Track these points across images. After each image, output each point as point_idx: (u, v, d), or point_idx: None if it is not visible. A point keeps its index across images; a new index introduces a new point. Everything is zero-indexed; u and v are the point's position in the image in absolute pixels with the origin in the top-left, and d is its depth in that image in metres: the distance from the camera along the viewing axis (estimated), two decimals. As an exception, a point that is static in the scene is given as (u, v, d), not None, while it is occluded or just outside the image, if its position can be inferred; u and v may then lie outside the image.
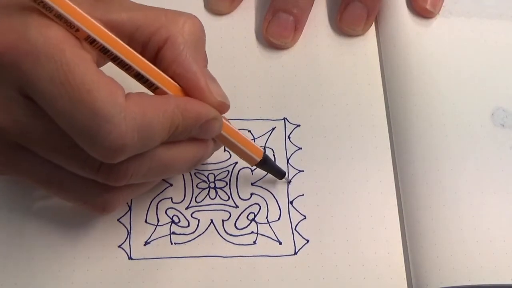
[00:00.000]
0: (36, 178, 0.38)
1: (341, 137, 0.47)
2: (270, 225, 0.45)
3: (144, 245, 0.44)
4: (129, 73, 0.37)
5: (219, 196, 0.45)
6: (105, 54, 0.36)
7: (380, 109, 0.49)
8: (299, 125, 0.48)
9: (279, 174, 0.45)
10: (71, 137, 0.35)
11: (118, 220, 0.44)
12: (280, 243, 0.44)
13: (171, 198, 0.45)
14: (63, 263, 0.43)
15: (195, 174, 0.46)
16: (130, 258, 0.43)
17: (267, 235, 0.44)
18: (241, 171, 0.46)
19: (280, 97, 0.49)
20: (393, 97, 0.48)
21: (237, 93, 0.48)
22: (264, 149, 0.45)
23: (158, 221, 0.44)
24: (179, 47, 0.38)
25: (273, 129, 0.48)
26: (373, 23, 0.51)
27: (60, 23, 0.34)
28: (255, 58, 0.50)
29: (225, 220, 0.45)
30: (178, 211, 0.45)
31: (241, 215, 0.45)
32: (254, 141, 0.47)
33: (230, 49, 0.50)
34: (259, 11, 0.52)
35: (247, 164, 0.43)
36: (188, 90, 0.38)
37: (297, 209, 0.45)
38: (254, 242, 0.44)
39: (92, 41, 0.35)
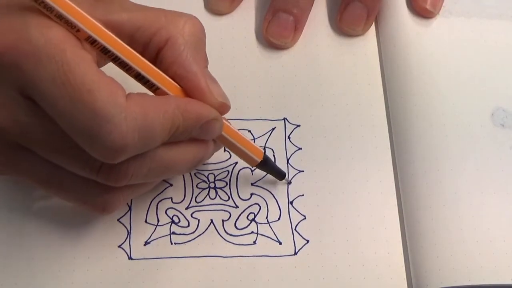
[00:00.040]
0: (36, 178, 0.38)
1: (341, 137, 0.47)
2: (270, 225, 0.45)
3: (144, 245, 0.44)
4: (129, 74, 0.37)
5: (219, 196, 0.45)
6: (105, 55, 0.36)
7: (380, 109, 0.49)
8: (299, 125, 0.48)
9: (280, 175, 0.45)
10: (72, 137, 0.35)
11: (118, 220, 0.44)
12: (280, 243, 0.44)
13: (171, 198, 0.45)
14: (63, 263, 0.43)
15: (195, 174, 0.46)
16: (130, 258, 0.43)
17: (267, 235, 0.44)
18: (241, 171, 0.46)
19: (280, 97, 0.49)
20: (393, 97, 0.48)
21: (237, 93, 0.48)
22: (264, 149, 0.45)
23: (158, 221, 0.44)
24: (180, 48, 0.38)
25: (273, 129, 0.48)
26: (373, 23, 0.51)
27: (61, 23, 0.34)
28: (255, 58, 0.50)
29: (225, 220, 0.45)
30: (178, 211, 0.45)
31: (241, 215, 0.45)
32: (254, 141, 0.47)
33: (230, 49, 0.50)
34: (259, 11, 0.52)
35: (247, 164, 0.43)
36: (188, 90, 0.38)
37: (297, 209, 0.45)
38: (254, 242, 0.44)
39: (93, 42, 0.35)
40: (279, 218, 0.45)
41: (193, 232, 0.44)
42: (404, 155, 0.46)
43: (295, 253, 0.44)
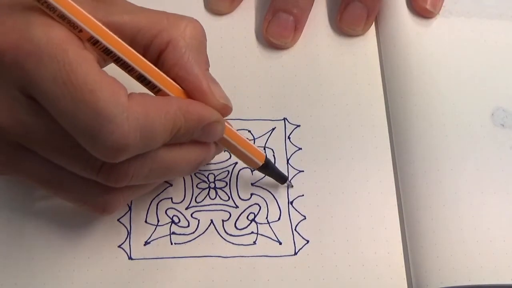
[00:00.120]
0: (37, 178, 0.38)
1: (341, 137, 0.47)
2: (270, 225, 0.45)
3: (144, 245, 0.44)
4: (131, 75, 0.37)
5: (219, 196, 0.45)
6: (108, 56, 0.36)
7: (380, 109, 0.49)
8: (299, 125, 0.48)
9: (281, 178, 0.45)
10: (74, 137, 0.35)
11: (118, 220, 0.44)
12: (280, 243, 0.44)
13: (171, 198, 0.45)
14: (63, 263, 0.43)
15: (195, 174, 0.46)
16: (130, 258, 0.43)
17: (267, 235, 0.44)
18: (241, 171, 0.46)
19: (280, 97, 0.49)
20: (393, 97, 0.48)
21: (237, 93, 0.48)
22: (265, 149, 0.45)
23: (158, 221, 0.44)
24: (181, 50, 0.38)
25: (273, 129, 0.48)
26: (373, 23, 0.51)
27: (63, 24, 0.34)
28: (255, 58, 0.50)
29: (225, 220, 0.45)
30: (178, 211, 0.45)
31: (241, 215, 0.45)
32: (254, 141, 0.47)
33: (230, 49, 0.50)
34: (259, 11, 0.52)
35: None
36: (190, 92, 0.38)
37: (297, 209, 0.45)
38: (254, 242, 0.44)
39: (95, 42, 0.35)
40: (279, 218, 0.45)
41: (193, 232, 0.44)
42: (404, 155, 0.46)
43: (295, 253, 0.44)
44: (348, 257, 0.44)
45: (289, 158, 0.47)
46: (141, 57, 0.36)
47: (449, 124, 0.47)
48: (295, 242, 0.44)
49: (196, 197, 0.45)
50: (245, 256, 0.44)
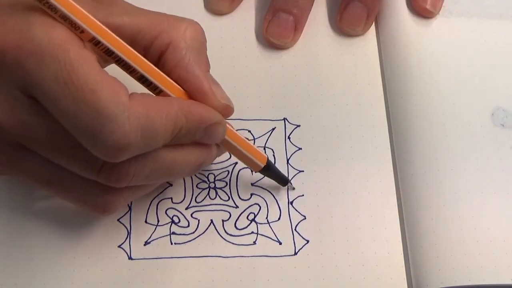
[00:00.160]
0: (37, 178, 0.38)
1: (341, 137, 0.47)
2: (270, 225, 0.45)
3: (144, 245, 0.44)
4: (133, 76, 0.37)
5: (219, 196, 0.45)
6: (109, 56, 0.36)
7: (380, 109, 0.49)
8: (299, 126, 0.48)
9: (282, 180, 0.45)
10: (75, 136, 0.35)
11: (118, 220, 0.44)
12: (280, 243, 0.44)
13: (171, 198, 0.45)
14: (63, 263, 0.43)
15: (195, 174, 0.46)
16: (130, 258, 0.43)
17: (267, 235, 0.44)
18: (241, 171, 0.46)
19: (280, 97, 0.49)
20: (393, 97, 0.48)
21: (237, 93, 0.48)
22: (265, 149, 0.45)
23: (158, 221, 0.44)
24: (182, 52, 0.38)
25: (273, 129, 0.48)
26: (373, 23, 0.51)
27: (65, 24, 0.34)
28: (255, 58, 0.50)
29: (225, 220, 0.45)
30: (178, 211, 0.45)
31: (241, 215, 0.45)
32: (254, 142, 0.47)
33: (230, 49, 0.50)
34: (259, 11, 0.52)
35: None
36: (191, 94, 0.38)
37: (297, 209, 0.45)
38: (254, 242, 0.44)
39: (97, 43, 0.35)
40: (279, 218, 0.45)
41: (193, 232, 0.44)
42: (404, 155, 0.46)
43: (295, 253, 0.44)
44: (348, 257, 0.44)
45: (289, 158, 0.47)
46: (142, 58, 0.36)
47: (449, 124, 0.47)
48: (295, 242, 0.44)
49: (196, 197, 0.45)
50: (245, 256, 0.44)
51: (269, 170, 0.43)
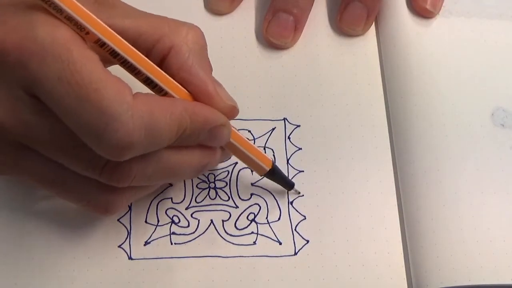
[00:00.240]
0: (39, 178, 0.38)
1: (341, 137, 0.47)
2: (270, 225, 0.45)
3: (144, 245, 0.44)
4: (138, 78, 0.37)
5: (219, 196, 0.45)
6: (115, 58, 0.36)
7: (380, 109, 0.49)
8: (299, 126, 0.48)
9: (288, 185, 0.45)
10: (78, 136, 0.35)
11: (118, 220, 0.44)
12: (280, 244, 0.44)
13: (171, 198, 0.45)
14: (63, 263, 0.43)
15: (195, 174, 0.46)
16: (130, 258, 0.43)
17: (267, 235, 0.44)
18: (241, 171, 0.46)
19: (280, 97, 0.49)
20: (393, 97, 0.49)
21: (237, 93, 0.47)
22: (264, 149, 0.45)
23: (158, 221, 0.44)
24: (185, 55, 0.38)
25: (273, 129, 0.48)
26: (373, 23, 0.51)
27: (69, 25, 0.34)
28: (255, 58, 0.50)
29: (225, 220, 0.45)
30: (178, 211, 0.45)
31: (241, 215, 0.45)
32: (254, 141, 0.47)
33: (230, 49, 0.50)
34: (259, 11, 0.52)
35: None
36: (196, 96, 0.38)
37: (297, 209, 0.45)
38: (254, 243, 0.44)
39: (102, 44, 0.35)
40: (279, 218, 0.45)
41: (193, 232, 0.44)
42: (404, 155, 0.46)
43: (295, 253, 0.44)
44: (348, 257, 0.44)
45: (289, 158, 0.47)
46: (148, 60, 0.36)
47: (449, 124, 0.47)
48: (295, 242, 0.44)
49: (196, 197, 0.45)
50: (245, 256, 0.44)
51: (274, 174, 0.43)
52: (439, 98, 0.48)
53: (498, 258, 0.43)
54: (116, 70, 0.36)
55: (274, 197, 0.45)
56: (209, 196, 0.45)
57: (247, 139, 0.41)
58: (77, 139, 0.35)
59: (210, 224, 0.44)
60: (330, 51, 0.50)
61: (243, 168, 0.46)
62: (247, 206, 0.45)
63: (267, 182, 0.45)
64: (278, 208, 0.45)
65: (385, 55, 0.50)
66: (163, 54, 0.38)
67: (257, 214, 0.45)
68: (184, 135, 0.37)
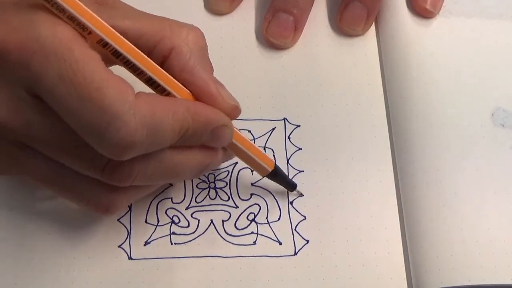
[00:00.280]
0: (41, 177, 0.38)
1: (341, 137, 0.47)
2: (270, 225, 0.45)
3: (144, 245, 0.44)
4: (140, 78, 0.37)
5: (219, 196, 0.45)
6: (117, 58, 0.36)
7: (380, 109, 0.49)
8: (299, 126, 0.48)
9: (290, 186, 0.45)
10: (80, 135, 0.35)
11: (118, 220, 0.44)
12: (280, 244, 0.44)
13: (171, 198, 0.45)
14: (63, 263, 0.43)
15: (195, 174, 0.46)
16: (130, 258, 0.43)
17: (267, 235, 0.44)
18: (241, 171, 0.46)
19: (280, 97, 0.49)
20: (393, 97, 0.49)
21: (237, 93, 0.47)
22: (264, 149, 0.45)
23: (158, 221, 0.44)
24: (186, 56, 0.38)
25: (273, 129, 0.48)
26: (373, 23, 0.51)
27: (72, 25, 0.34)
28: (255, 58, 0.50)
29: (225, 221, 0.45)
30: (178, 211, 0.45)
31: (241, 215, 0.45)
32: (254, 141, 0.47)
33: (230, 49, 0.50)
34: (259, 11, 0.52)
35: (247, 165, 0.43)
36: (199, 96, 0.38)
37: (297, 209, 0.45)
38: (254, 243, 0.44)
39: (105, 45, 0.35)
40: (279, 218, 0.45)
41: (193, 232, 0.44)
42: (404, 155, 0.46)
43: (295, 253, 0.44)
44: (348, 257, 0.44)
45: (289, 158, 0.47)
46: (150, 60, 0.36)
47: (449, 124, 0.47)
48: (295, 242, 0.44)
49: (196, 197, 0.45)
50: (245, 256, 0.44)
51: (277, 175, 0.43)
52: (439, 98, 0.48)
53: (498, 258, 0.43)
54: (117, 70, 0.36)
55: (274, 197, 0.45)
56: (209, 196, 0.45)
57: (249, 140, 0.41)
58: (79, 138, 0.35)
59: (210, 224, 0.44)
60: (330, 51, 0.50)
61: (243, 168, 0.46)
62: (247, 206, 0.45)
63: (267, 182, 0.45)
64: (278, 208, 0.45)
65: (385, 55, 0.50)
66: (164, 55, 0.38)
67: (257, 214, 0.45)
68: (186, 135, 0.37)
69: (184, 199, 0.45)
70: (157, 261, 0.43)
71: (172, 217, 0.45)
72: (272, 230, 0.45)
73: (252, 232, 0.44)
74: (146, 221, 0.44)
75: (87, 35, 0.35)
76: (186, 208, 0.45)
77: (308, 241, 0.44)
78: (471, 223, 0.44)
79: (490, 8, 0.52)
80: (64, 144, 0.36)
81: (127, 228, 0.44)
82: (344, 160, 0.47)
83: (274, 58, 0.50)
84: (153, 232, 0.44)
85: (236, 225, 0.45)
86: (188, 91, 0.38)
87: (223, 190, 0.45)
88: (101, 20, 0.35)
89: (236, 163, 0.46)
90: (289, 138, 0.47)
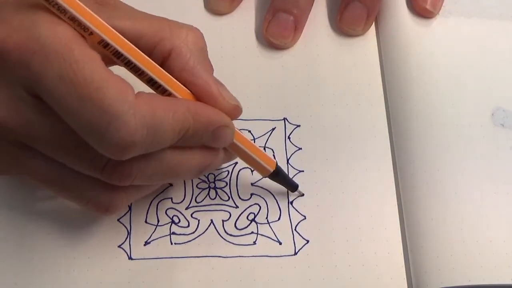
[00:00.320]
0: (41, 177, 0.38)
1: (341, 137, 0.47)
2: (270, 225, 0.45)
3: (144, 245, 0.44)
4: (141, 78, 0.37)
5: (219, 196, 0.45)
6: (118, 59, 0.36)
7: (380, 109, 0.49)
8: (299, 125, 0.48)
9: (292, 186, 0.45)
10: (80, 135, 0.35)
11: (118, 220, 0.44)
12: (280, 243, 0.44)
13: (171, 198, 0.45)
14: (63, 263, 0.43)
15: (195, 174, 0.46)
16: (130, 258, 0.43)
17: (267, 235, 0.44)
18: (241, 171, 0.46)
19: (280, 97, 0.49)
20: (393, 97, 0.49)
21: (237, 93, 0.47)
22: (264, 149, 0.45)
23: (158, 221, 0.44)
24: (186, 56, 0.38)
25: (273, 129, 0.48)
26: (373, 23, 0.51)
27: (73, 25, 0.34)
28: (255, 58, 0.50)
29: (225, 220, 0.45)
30: (178, 211, 0.45)
31: (241, 215, 0.45)
32: (254, 141, 0.47)
33: (230, 49, 0.50)
34: (259, 11, 0.52)
35: (247, 164, 0.43)
36: (199, 97, 0.38)
37: (297, 209, 0.45)
38: (254, 243, 0.44)
39: (105, 45, 0.35)
40: (279, 218, 0.45)
41: (193, 232, 0.44)
42: (404, 155, 0.46)
43: (295, 253, 0.44)
44: (348, 257, 0.44)
45: (289, 158, 0.47)
46: (151, 60, 0.36)
47: (449, 124, 0.47)
48: (295, 242, 0.44)
49: (196, 197, 0.45)
50: (245, 256, 0.44)
51: (279, 175, 0.43)
52: (439, 98, 0.48)
53: (498, 258, 0.43)
54: (117, 70, 0.36)
55: (274, 197, 0.45)
56: (209, 196, 0.45)
57: (250, 140, 0.41)
58: (79, 138, 0.35)
59: (210, 224, 0.44)
60: (330, 51, 0.50)
61: (243, 168, 0.46)
62: (247, 206, 0.45)
63: (267, 182, 0.45)
64: (278, 208, 0.45)
65: (385, 55, 0.50)
66: (163, 56, 0.38)
67: (257, 214, 0.45)
68: (187, 135, 0.37)
69: (184, 199, 0.45)
70: (157, 261, 0.43)
71: (172, 217, 0.45)
72: (272, 230, 0.45)
73: (252, 232, 0.44)
74: (146, 221, 0.44)
75: (88, 36, 0.35)
76: (186, 208, 0.45)
77: (308, 241, 0.44)
78: (471, 223, 0.44)
79: (490, 8, 0.52)
80: (64, 143, 0.36)
81: (127, 228, 0.44)
82: (344, 160, 0.47)
83: (274, 58, 0.50)
84: (153, 232, 0.44)
85: (236, 225, 0.45)
86: (189, 92, 0.38)
87: (223, 190, 0.45)
88: (102, 21, 0.35)
89: (236, 163, 0.46)
90: (289, 138, 0.47)
